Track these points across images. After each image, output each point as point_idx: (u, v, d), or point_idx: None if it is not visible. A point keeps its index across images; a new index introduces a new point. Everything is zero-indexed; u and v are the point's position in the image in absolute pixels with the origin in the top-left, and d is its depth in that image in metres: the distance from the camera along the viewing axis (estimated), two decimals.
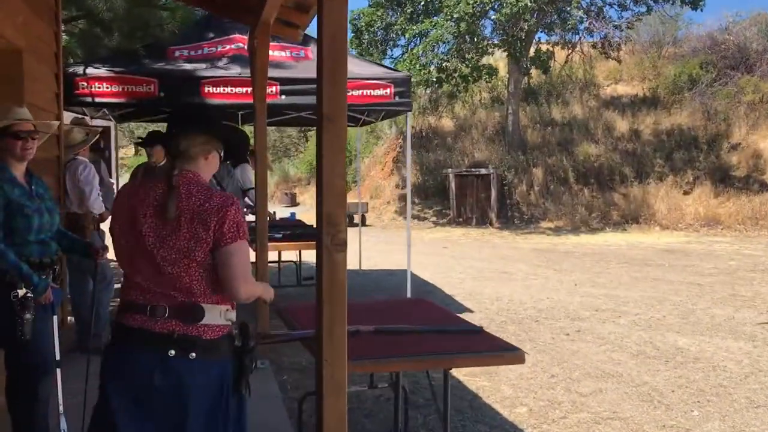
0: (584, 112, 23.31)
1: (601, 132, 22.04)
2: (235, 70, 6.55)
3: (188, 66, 6.66)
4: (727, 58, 23.29)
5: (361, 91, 6.64)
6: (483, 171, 19.14)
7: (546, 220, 18.92)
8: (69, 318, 6.00)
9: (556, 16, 17.39)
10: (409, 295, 6.94)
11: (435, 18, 17.47)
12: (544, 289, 9.14)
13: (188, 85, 6.36)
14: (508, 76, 20.78)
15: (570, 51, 20.61)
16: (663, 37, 25.58)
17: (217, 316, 2.26)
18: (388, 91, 6.69)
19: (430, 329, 3.31)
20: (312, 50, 7.35)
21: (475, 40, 16.75)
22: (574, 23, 17.30)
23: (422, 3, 17.57)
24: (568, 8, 17.18)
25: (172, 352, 2.15)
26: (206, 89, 6.32)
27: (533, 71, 21.06)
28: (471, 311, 7.54)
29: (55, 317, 3.53)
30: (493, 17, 16.32)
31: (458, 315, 4.21)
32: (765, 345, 6.22)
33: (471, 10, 15.57)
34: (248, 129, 8.46)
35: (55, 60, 5.50)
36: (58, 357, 3.50)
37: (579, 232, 17.55)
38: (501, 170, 19.54)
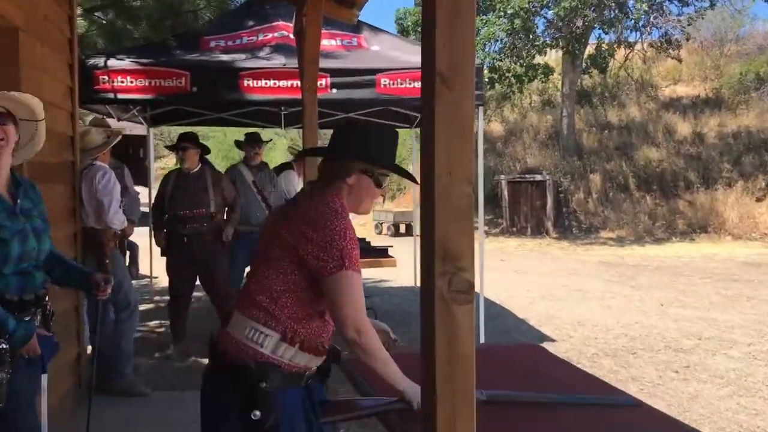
0: (642, 114, 21.97)
1: (662, 135, 20.69)
2: (278, 61, 5.62)
3: (225, 57, 5.76)
4: None
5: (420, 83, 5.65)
6: (538, 177, 17.98)
7: (606, 229, 17.66)
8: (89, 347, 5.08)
9: (617, 10, 16.15)
10: (482, 323, 5.92)
11: (485, 16, 16.40)
12: (627, 310, 8.01)
13: (225, 78, 5.45)
14: (561, 76, 19.60)
15: (630, 49, 19.31)
16: (725, 34, 24.09)
17: None
18: None
19: (572, 400, 2.29)
20: (365, 38, 6.41)
21: (530, 36, 15.64)
22: (638, 16, 16.05)
23: None
24: (631, 1, 15.94)
25: None
26: (245, 83, 5.41)
27: (591, 71, 19.85)
28: (552, 340, 6.47)
29: (44, 376, 2.61)
30: (550, 12, 15.16)
31: (591, 375, 3.16)
32: None
33: (527, 5, 14.48)
34: (291, 133, 7.50)
35: (69, 48, 4.64)
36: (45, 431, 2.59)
37: (644, 243, 16.26)
38: (556, 176, 18.35)
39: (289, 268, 1.93)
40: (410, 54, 5.86)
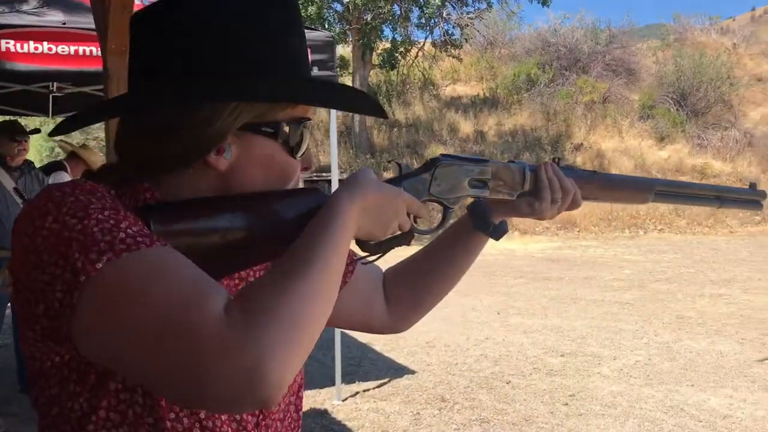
0: (427, 112, 22.19)
1: (447, 133, 21.04)
2: (53, 17, 3.94)
3: None
4: (560, 59, 23.33)
5: None
6: (330, 176, 17.12)
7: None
8: None
9: (412, 4, 15.77)
10: (338, 360, 4.76)
11: None
12: (469, 322, 7.30)
13: None
14: (352, 72, 18.98)
15: (420, 48, 19.26)
16: (496, 37, 25.20)
17: None
18: None
19: None
20: None
21: (326, 26, 14.67)
22: (432, 12, 15.79)
23: None
24: None
25: None
26: (4, 45, 3.69)
27: (377, 68, 19.45)
28: (411, 371, 5.49)
29: None
30: (338, 4, 14.25)
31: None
32: None
33: None
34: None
35: None
36: None
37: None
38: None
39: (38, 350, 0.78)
40: None
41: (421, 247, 1.25)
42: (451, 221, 1.18)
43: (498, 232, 1.20)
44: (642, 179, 1.31)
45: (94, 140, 15.75)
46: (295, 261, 0.77)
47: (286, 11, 0.90)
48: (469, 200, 1.20)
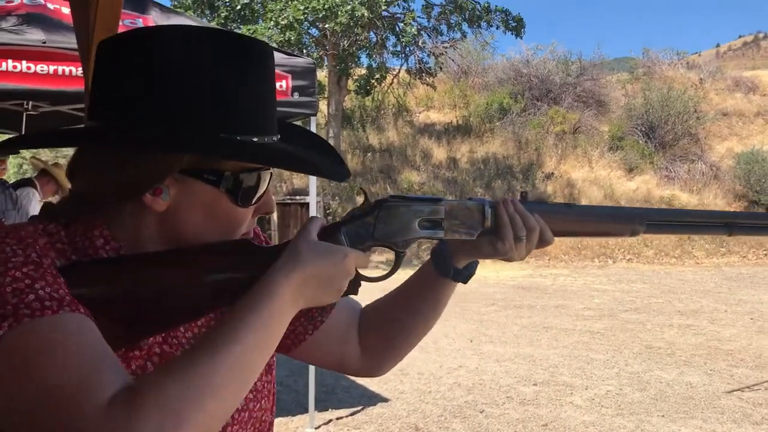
0: (401, 138, 22.36)
1: (420, 159, 21.20)
2: (34, 36, 3.91)
3: None
4: (532, 89, 23.71)
5: None
6: (306, 199, 17.10)
7: (376, 252, 17.34)
8: None
9: (389, 32, 15.95)
10: (311, 386, 4.71)
11: (254, 26, 15.19)
12: (442, 350, 7.30)
13: None
14: (327, 96, 19.06)
15: (395, 75, 19.44)
16: (469, 66, 25.53)
17: None
18: (283, 84, 4.44)
19: None
20: (153, 19, 4.89)
21: (304, 51, 14.74)
22: (407, 40, 15.97)
23: (239, 6, 15.20)
24: (401, 23, 15.81)
25: None
26: None
27: (353, 93, 19.57)
28: (385, 399, 5.46)
29: None
30: (328, 25, 14.35)
31: None
32: None
33: (302, 17, 13.54)
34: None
35: None
36: None
37: (413, 266, 16.14)
38: (325, 199, 17.68)
39: None
40: None
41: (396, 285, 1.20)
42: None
43: (462, 276, 1.14)
44: (627, 209, 1.19)
45: (63, 158, 15.53)
46: (208, 347, 0.75)
47: (243, 67, 0.87)
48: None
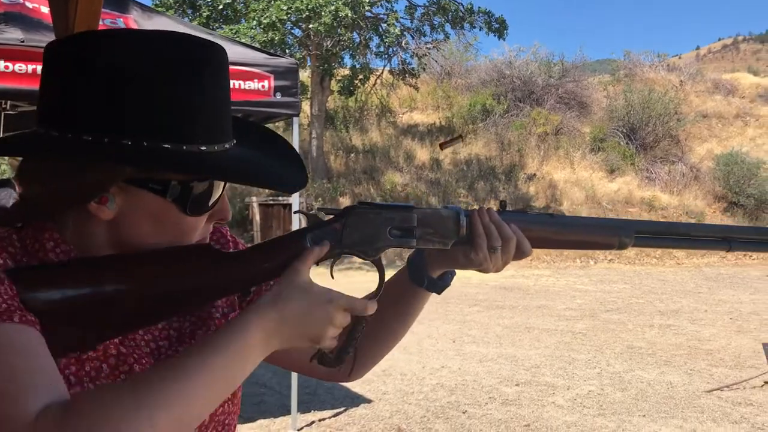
0: (384, 139, 22.36)
1: (403, 160, 21.22)
2: (12, 35, 3.86)
3: None
4: (515, 91, 23.81)
5: None
6: (289, 200, 17.05)
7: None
8: None
9: (372, 33, 15.95)
10: (294, 387, 4.69)
11: (236, 25, 15.12)
12: (425, 351, 7.30)
13: None
14: (310, 97, 19.02)
15: (378, 76, 19.44)
16: (452, 68, 25.59)
17: None
18: (265, 84, 4.43)
19: None
20: (134, 20, 4.85)
21: (287, 52, 14.70)
22: (391, 41, 15.98)
23: (221, 6, 15.12)
24: (385, 24, 15.81)
25: None
26: None
27: (336, 94, 19.55)
28: (368, 400, 5.45)
29: None
30: (311, 26, 14.31)
31: None
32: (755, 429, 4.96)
33: (285, 17, 13.50)
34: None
35: None
36: None
37: (395, 267, 16.14)
38: (308, 199, 17.63)
39: None
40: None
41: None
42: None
43: (437, 287, 1.12)
44: (615, 221, 1.13)
45: None
46: (161, 374, 0.74)
47: (191, 74, 0.85)
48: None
